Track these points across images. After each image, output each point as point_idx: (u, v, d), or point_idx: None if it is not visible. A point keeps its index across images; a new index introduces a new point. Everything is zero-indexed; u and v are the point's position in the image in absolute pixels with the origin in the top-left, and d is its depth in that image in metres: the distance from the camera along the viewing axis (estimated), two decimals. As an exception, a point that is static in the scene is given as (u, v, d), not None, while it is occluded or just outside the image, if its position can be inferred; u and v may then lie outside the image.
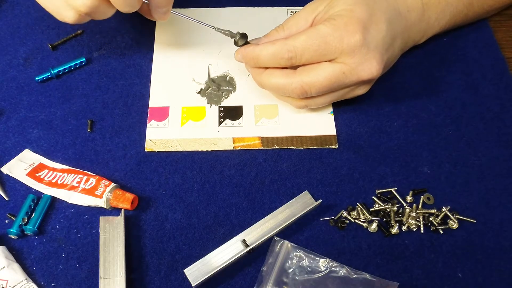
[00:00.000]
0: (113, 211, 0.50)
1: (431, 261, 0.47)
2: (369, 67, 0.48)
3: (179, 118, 0.56)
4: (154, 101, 0.57)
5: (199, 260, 0.46)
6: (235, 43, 0.52)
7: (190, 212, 0.50)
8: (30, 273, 0.47)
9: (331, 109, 0.56)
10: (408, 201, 0.50)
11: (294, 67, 0.50)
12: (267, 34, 0.53)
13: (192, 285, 0.45)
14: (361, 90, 0.52)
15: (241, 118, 0.56)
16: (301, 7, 0.64)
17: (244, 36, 0.52)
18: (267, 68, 0.51)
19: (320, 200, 0.49)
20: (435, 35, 0.58)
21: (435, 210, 0.50)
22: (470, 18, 0.60)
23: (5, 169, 0.52)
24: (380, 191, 0.51)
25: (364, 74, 0.48)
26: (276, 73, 0.50)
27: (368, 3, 0.48)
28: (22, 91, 0.58)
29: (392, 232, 0.49)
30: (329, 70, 0.48)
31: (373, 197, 0.51)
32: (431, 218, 0.49)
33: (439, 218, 0.49)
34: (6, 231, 0.49)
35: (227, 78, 0.59)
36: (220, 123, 0.56)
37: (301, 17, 0.52)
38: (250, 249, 0.46)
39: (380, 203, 0.50)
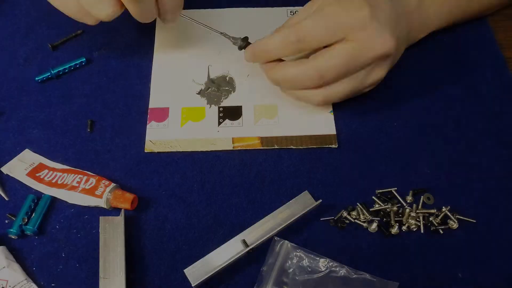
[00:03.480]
0: (113, 211, 0.50)
1: (431, 261, 0.47)
2: (383, 41, 0.47)
3: (179, 119, 0.56)
4: (154, 102, 0.57)
5: (199, 260, 0.46)
6: (240, 48, 0.53)
7: (190, 212, 0.50)
8: (30, 273, 0.47)
9: (330, 108, 0.56)
10: (408, 201, 0.50)
11: (306, 56, 0.49)
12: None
13: (192, 285, 0.45)
14: (380, 72, 0.50)
15: (241, 118, 0.56)
16: (301, 7, 0.65)
17: (246, 39, 0.52)
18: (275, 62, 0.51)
19: (320, 200, 0.49)
20: (435, 35, 0.58)
21: (435, 210, 0.50)
22: (468, 14, 0.60)
23: (5, 169, 0.52)
24: (380, 191, 0.51)
25: (379, 47, 0.47)
26: (289, 64, 0.49)
27: None
28: (22, 91, 0.58)
29: (392, 232, 0.49)
30: (343, 50, 0.47)
31: (373, 197, 0.51)
32: (431, 218, 0.49)
33: (439, 218, 0.49)
34: (6, 231, 0.49)
35: (227, 78, 0.59)
36: (219, 123, 0.56)
37: (304, 11, 0.51)
38: (250, 249, 0.46)
39: (380, 203, 0.50)
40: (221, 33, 0.54)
